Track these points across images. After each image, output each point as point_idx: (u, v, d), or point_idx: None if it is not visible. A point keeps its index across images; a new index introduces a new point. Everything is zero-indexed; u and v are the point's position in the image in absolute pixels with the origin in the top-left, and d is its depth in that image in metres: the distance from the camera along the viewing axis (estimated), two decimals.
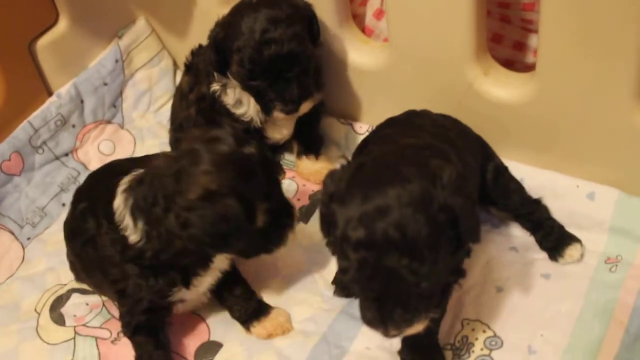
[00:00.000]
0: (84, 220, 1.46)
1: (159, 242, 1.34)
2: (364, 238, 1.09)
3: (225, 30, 1.58)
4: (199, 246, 1.31)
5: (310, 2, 1.63)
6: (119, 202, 1.36)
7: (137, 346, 1.47)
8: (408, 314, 1.15)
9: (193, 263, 1.40)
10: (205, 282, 1.45)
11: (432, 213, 1.11)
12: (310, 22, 1.62)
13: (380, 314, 1.15)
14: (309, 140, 1.81)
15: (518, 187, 1.56)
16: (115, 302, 1.51)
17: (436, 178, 1.14)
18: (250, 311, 1.52)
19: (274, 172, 1.39)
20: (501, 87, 1.58)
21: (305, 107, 1.63)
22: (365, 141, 1.53)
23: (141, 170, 1.39)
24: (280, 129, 1.75)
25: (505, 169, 1.57)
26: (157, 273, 1.39)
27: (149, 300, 1.42)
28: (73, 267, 1.61)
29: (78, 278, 1.63)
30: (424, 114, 1.56)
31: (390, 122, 1.55)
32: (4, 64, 1.78)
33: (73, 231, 1.52)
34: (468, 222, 1.15)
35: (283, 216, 1.40)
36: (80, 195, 1.56)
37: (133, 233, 1.35)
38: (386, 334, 1.17)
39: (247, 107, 1.68)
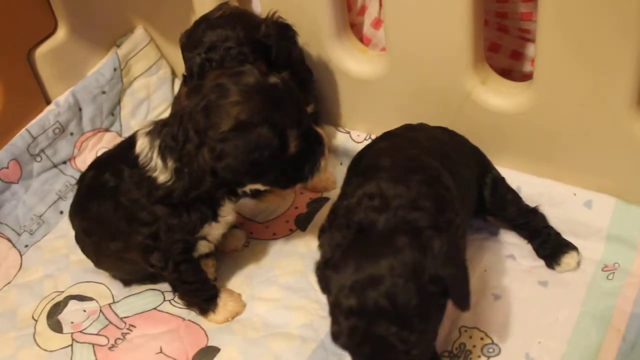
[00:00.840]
0: (98, 180, 1.47)
1: (189, 179, 1.34)
2: (355, 306, 1.12)
3: (186, 38, 1.60)
4: (235, 176, 1.34)
5: (274, 33, 1.58)
6: (143, 145, 1.38)
7: (184, 277, 1.51)
8: None
9: (220, 197, 1.42)
10: (228, 216, 1.49)
11: (423, 283, 1.14)
12: (266, 50, 1.57)
13: None
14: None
15: (515, 197, 1.57)
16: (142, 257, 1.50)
17: (427, 248, 1.16)
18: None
19: (300, 101, 1.40)
20: (499, 96, 1.58)
21: None
22: (360, 155, 1.53)
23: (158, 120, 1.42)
24: None
25: (502, 180, 1.57)
26: (187, 210, 1.41)
27: (182, 240, 1.45)
28: (89, 249, 1.60)
29: (97, 261, 1.63)
30: (420, 128, 1.57)
31: (386, 136, 1.55)
32: (3, 72, 1.78)
33: (85, 199, 1.52)
34: (458, 292, 1.19)
35: (313, 143, 1.42)
36: (85, 172, 1.57)
37: (163, 173, 1.36)
38: None
39: None
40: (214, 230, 1.48)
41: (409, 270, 1.13)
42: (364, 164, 1.45)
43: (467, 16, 1.49)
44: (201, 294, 1.55)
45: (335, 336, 1.15)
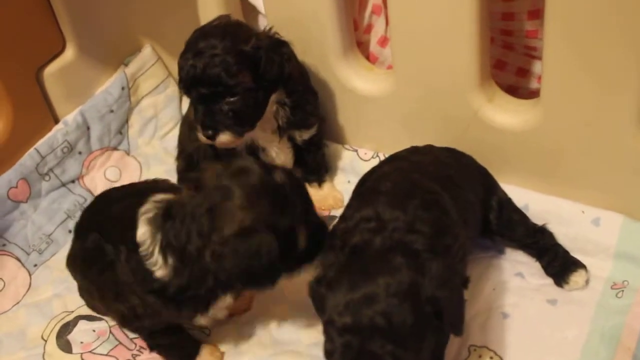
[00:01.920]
0: (100, 248, 1.43)
1: (189, 279, 1.33)
2: (349, 323, 1.12)
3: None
4: (229, 280, 1.32)
5: (264, 46, 1.56)
6: (145, 235, 1.34)
7: (160, 342, 1.51)
8: None
9: (215, 294, 1.39)
10: (221, 310, 1.45)
11: (419, 304, 1.14)
12: (255, 62, 1.55)
13: None
14: (311, 168, 1.81)
15: (522, 218, 1.57)
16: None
17: (424, 270, 1.17)
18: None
19: (307, 194, 1.38)
20: (505, 114, 1.59)
21: (225, 139, 1.57)
22: (364, 178, 1.53)
23: (160, 198, 1.38)
24: (275, 160, 1.72)
25: (509, 201, 1.58)
26: (179, 304, 1.37)
27: (165, 324, 1.45)
28: (85, 293, 1.60)
29: (90, 304, 1.63)
30: (426, 151, 1.58)
31: (390, 159, 1.57)
32: (12, 91, 1.79)
33: (86, 261, 1.49)
34: (453, 315, 1.19)
35: (319, 236, 1.38)
36: (86, 226, 1.54)
37: (162, 268, 1.33)
38: None
39: None
40: (201, 321, 1.45)
41: (405, 290, 1.14)
42: (365, 187, 1.46)
43: (473, 34, 1.50)
44: (179, 353, 1.54)
45: (329, 354, 1.15)
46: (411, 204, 1.29)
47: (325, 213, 1.78)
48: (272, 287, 1.36)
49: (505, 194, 1.58)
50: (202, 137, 1.58)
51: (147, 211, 1.36)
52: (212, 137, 1.57)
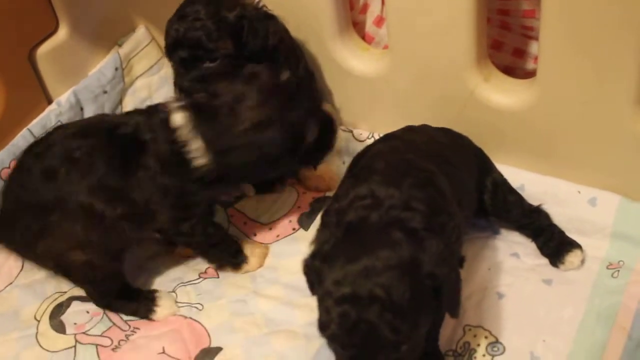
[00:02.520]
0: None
1: (219, 167, 1.45)
2: (348, 293, 1.11)
3: None
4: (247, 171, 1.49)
5: (249, 16, 1.58)
6: (181, 121, 1.44)
7: (212, 240, 1.61)
8: None
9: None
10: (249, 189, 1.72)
11: (419, 279, 1.14)
12: (237, 30, 1.57)
13: None
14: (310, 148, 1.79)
15: (517, 199, 1.57)
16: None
17: (424, 246, 1.16)
18: None
19: (315, 90, 1.60)
20: (502, 94, 1.58)
21: None
22: (359, 156, 1.52)
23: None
24: None
25: (504, 182, 1.57)
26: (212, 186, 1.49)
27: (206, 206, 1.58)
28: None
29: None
30: (421, 130, 1.57)
31: (385, 138, 1.55)
32: (4, 71, 1.77)
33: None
34: (450, 295, 1.19)
35: (327, 128, 1.54)
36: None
37: (201, 157, 1.44)
38: None
39: None
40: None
41: (406, 263, 1.13)
42: (359, 166, 1.45)
43: (470, 13, 1.49)
44: (228, 250, 1.62)
45: (324, 326, 1.13)
46: (406, 182, 1.27)
47: (321, 194, 1.78)
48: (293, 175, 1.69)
49: (500, 175, 1.57)
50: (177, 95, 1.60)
51: (174, 102, 1.48)
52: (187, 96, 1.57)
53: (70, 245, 1.49)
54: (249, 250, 1.64)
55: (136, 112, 1.57)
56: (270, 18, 1.61)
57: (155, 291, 1.61)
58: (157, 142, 1.46)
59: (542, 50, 1.45)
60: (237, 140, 1.42)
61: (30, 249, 1.56)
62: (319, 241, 1.23)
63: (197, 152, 1.43)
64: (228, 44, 1.55)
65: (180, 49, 1.57)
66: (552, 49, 1.44)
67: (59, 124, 1.84)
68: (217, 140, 1.43)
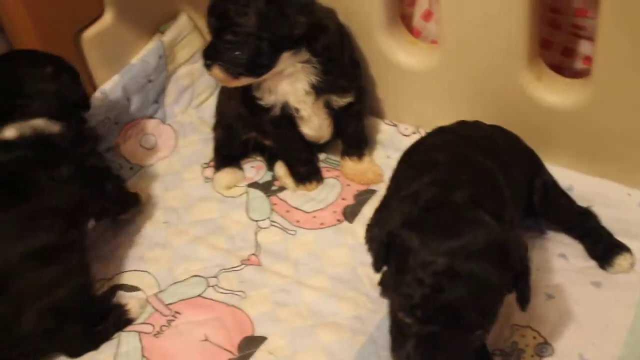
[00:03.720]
0: None
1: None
2: (446, 267, 1.10)
3: None
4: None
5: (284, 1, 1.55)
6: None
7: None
8: None
9: None
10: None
11: (512, 264, 1.15)
12: (263, 12, 1.54)
13: (422, 357, 1.13)
14: (350, 140, 1.79)
15: (567, 201, 1.56)
16: None
17: (512, 233, 1.18)
18: None
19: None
20: (554, 93, 1.57)
21: (217, 73, 1.60)
22: (411, 150, 1.52)
23: None
24: (309, 123, 1.73)
25: (554, 184, 1.56)
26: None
27: None
28: None
29: None
30: (475, 125, 1.56)
31: (439, 131, 1.54)
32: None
33: None
34: (525, 287, 1.20)
35: None
36: None
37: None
38: None
39: (274, 95, 1.67)
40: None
41: (502, 246, 1.13)
42: (415, 159, 1.44)
43: (524, 9, 1.48)
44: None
45: (409, 296, 1.11)
46: (470, 174, 1.28)
47: (365, 187, 1.77)
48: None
49: (551, 177, 1.56)
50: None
51: None
52: (208, 67, 1.60)
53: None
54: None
55: None
56: (305, 6, 1.57)
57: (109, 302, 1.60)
58: (19, 168, 1.47)
59: (599, 50, 1.44)
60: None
61: None
62: (402, 212, 1.21)
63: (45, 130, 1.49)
64: (252, 21, 1.53)
65: (212, 16, 1.57)
66: (609, 48, 1.42)
67: (105, 116, 1.86)
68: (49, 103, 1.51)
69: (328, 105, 1.70)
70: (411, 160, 1.45)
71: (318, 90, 1.65)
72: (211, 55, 1.59)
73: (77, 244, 1.53)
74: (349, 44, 1.73)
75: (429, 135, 1.54)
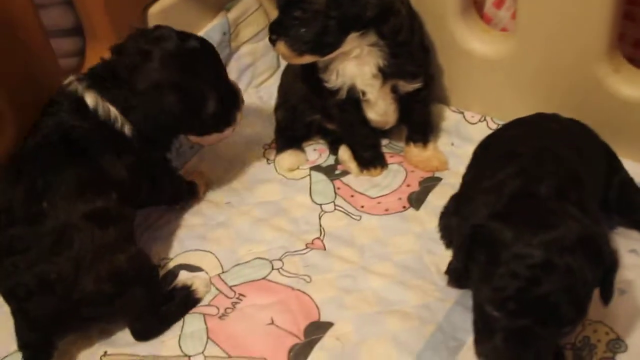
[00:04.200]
0: None
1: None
2: (543, 261, 1.09)
3: None
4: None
5: None
6: (92, 102, 1.49)
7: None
8: None
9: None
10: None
11: (604, 258, 1.14)
12: None
13: (511, 352, 1.13)
14: (416, 126, 1.77)
15: None
16: None
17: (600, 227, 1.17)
18: None
19: (219, 62, 1.61)
20: (632, 86, 1.55)
21: (282, 48, 1.58)
22: (488, 141, 1.51)
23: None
24: (375, 108, 1.71)
25: (631, 181, 1.54)
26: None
27: None
28: None
29: None
30: (554, 119, 1.53)
31: (518, 123, 1.52)
32: (117, 27, 1.73)
33: None
34: (610, 283, 1.18)
35: (232, 100, 1.63)
36: None
37: (124, 124, 1.51)
38: None
39: (340, 77, 1.66)
40: None
41: (595, 243, 1.13)
42: (496, 149, 1.42)
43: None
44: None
45: (501, 288, 1.11)
46: (554, 164, 1.27)
47: (429, 174, 1.76)
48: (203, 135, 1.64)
49: (627, 174, 1.54)
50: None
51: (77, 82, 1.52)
52: (273, 43, 1.59)
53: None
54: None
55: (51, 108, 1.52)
56: None
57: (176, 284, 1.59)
58: (90, 136, 1.47)
59: None
60: (139, 98, 1.48)
61: None
62: (486, 205, 1.21)
63: (119, 121, 1.49)
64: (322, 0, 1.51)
65: None
66: None
67: None
68: (125, 102, 1.49)
69: (395, 90, 1.69)
70: (491, 150, 1.43)
71: (386, 74, 1.63)
72: (277, 31, 1.58)
73: (130, 221, 1.53)
74: (419, 29, 1.70)
75: (508, 127, 1.52)
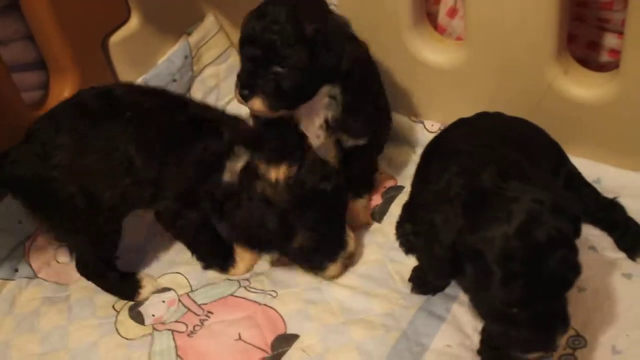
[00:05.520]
0: None
1: None
2: (530, 245, 1.12)
3: None
4: None
5: (330, 32, 1.49)
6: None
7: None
8: (565, 325, 1.19)
9: None
10: None
11: (568, 218, 1.17)
12: (313, 43, 1.48)
13: (543, 333, 1.18)
14: (353, 179, 1.70)
15: (591, 191, 1.56)
16: None
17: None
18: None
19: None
20: (582, 87, 1.57)
21: (258, 105, 1.50)
22: (436, 142, 1.54)
23: None
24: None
25: (578, 174, 1.56)
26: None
27: None
28: None
29: None
30: (497, 117, 1.56)
31: (460, 123, 1.55)
32: (79, 60, 1.79)
33: None
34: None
35: None
36: None
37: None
38: (552, 348, 1.20)
39: None
40: None
41: (558, 203, 1.16)
42: (441, 151, 1.45)
43: (556, 3, 1.48)
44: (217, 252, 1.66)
45: (509, 290, 1.14)
46: (495, 159, 1.29)
47: (392, 183, 1.79)
48: None
49: (574, 167, 1.56)
50: (237, 95, 1.53)
51: None
52: (246, 98, 1.51)
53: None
54: (239, 255, 1.66)
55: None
56: (350, 39, 1.54)
57: (134, 274, 1.66)
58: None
59: (627, 42, 1.44)
60: None
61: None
62: (448, 220, 1.21)
63: None
64: (302, 54, 1.47)
65: (252, 47, 1.49)
66: (637, 41, 1.42)
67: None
68: None
69: (339, 143, 1.66)
70: (436, 152, 1.45)
71: (333, 126, 1.60)
72: (250, 86, 1.50)
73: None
74: (378, 88, 1.70)
75: (451, 128, 1.54)
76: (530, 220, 1.13)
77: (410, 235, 1.46)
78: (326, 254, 1.55)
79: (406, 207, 1.48)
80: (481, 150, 1.36)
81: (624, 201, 1.56)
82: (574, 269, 1.15)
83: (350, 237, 1.56)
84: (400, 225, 1.51)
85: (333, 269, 1.57)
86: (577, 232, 1.23)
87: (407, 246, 1.54)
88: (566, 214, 1.16)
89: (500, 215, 1.14)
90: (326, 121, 1.59)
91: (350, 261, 1.59)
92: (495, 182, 1.20)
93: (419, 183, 1.43)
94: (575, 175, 1.56)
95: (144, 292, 1.63)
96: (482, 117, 1.56)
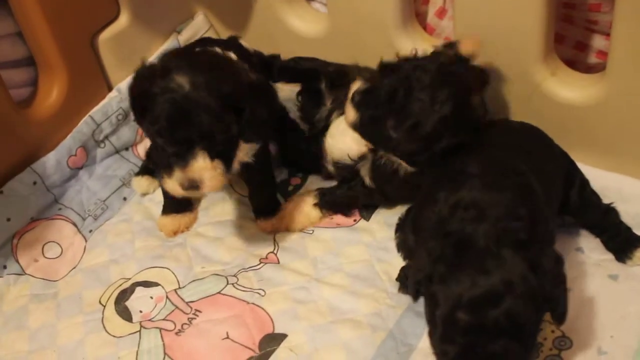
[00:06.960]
0: None
1: None
2: (474, 323, 1.13)
3: None
4: None
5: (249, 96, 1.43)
6: None
7: None
8: None
9: None
10: None
11: (539, 303, 1.17)
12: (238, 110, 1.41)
13: None
14: (258, 202, 1.76)
15: (597, 200, 1.56)
16: None
17: (538, 265, 1.18)
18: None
19: None
20: (569, 88, 1.58)
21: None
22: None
23: None
24: None
25: (587, 183, 1.56)
26: None
27: None
28: None
29: None
30: (503, 125, 1.59)
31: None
32: (68, 58, 1.78)
33: None
34: (562, 308, 1.23)
35: None
36: None
37: None
38: None
39: None
40: None
41: (527, 290, 1.15)
42: (450, 166, 1.43)
43: (541, 4, 1.49)
44: None
45: (445, 353, 1.16)
46: (506, 184, 1.30)
47: None
48: None
49: (584, 177, 1.56)
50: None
51: None
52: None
53: None
54: None
55: None
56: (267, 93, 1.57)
57: None
58: None
59: (614, 44, 1.45)
60: None
61: None
62: (430, 256, 1.22)
63: None
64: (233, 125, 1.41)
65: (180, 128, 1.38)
66: (624, 43, 1.43)
67: (120, 110, 1.87)
68: None
69: None
70: (445, 167, 1.44)
71: None
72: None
73: None
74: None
75: None
76: (487, 300, 1.13)
77: (412, 246, 1.45)
78: None
79: (411, 217, 1.48)
80: (491, 169, 1.36)
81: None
82: (515, 356, 1.14)
83: None
84: (402, 231, 1.53)
85: None
86: (557, 315, 1.24)
87: (405, 253, 1.55)
88: (536, 302, 1.16)
89: (464, 280, 1.15)
90: None
91: None
92: (489, 244, 1.19)
93: (426, 197, 1.41)
94: (586, 184, 1.56)
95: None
96: (489, 126, 1.55)
